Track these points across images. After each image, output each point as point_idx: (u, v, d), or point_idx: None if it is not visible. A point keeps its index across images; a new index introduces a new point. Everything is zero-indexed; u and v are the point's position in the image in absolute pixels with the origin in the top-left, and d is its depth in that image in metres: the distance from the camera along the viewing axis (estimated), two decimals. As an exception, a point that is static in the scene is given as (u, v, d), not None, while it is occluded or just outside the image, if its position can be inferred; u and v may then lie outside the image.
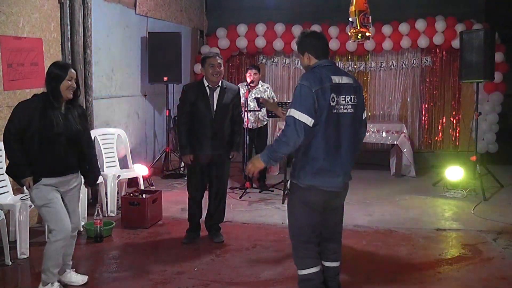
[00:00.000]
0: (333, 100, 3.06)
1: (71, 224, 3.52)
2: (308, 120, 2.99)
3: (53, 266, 3.46)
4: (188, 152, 4.50)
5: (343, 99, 3.11)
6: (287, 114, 3.05)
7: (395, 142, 7.53)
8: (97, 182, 4.06)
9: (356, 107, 3.16)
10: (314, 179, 3.13)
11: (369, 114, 9.03)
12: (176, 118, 4.59)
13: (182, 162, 5.05)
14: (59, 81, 3.36)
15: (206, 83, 4.53)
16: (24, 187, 3.55)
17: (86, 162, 3.62)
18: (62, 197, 3.51)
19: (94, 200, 5.65)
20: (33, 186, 3.39)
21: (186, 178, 4.83)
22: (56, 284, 3.50)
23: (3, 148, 4.47)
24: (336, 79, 3.10)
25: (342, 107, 3.10)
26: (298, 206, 3.26)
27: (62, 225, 3.42)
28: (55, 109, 3.36)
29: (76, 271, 3.80)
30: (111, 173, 5.65)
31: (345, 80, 3.15)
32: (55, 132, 3.34)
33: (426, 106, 8.91)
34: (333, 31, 8.46)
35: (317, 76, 3.09)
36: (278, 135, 3.15)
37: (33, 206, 4.32)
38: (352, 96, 3.14)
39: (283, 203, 5.90)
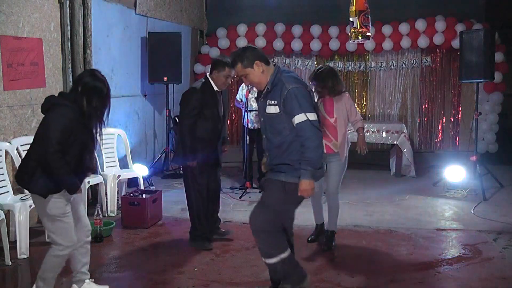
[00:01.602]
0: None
1: (84, 227, 3.43)
2: (316, 117, 3.16)
3: (52, 277, 3.33)
4: (194, 156, 4.37)
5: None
6: (297, 122, 3.08)
7: (395, 142, 7.53)
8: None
9: None
10: (317, 174, 3.27)
11: (369, 114, 9.04)
12: (179, 120, 4.41)
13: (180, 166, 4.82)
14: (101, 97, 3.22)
15: (215, 87, 4.43)
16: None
17: None
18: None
19: (94, 200, 5.65)
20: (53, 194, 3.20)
21: (188, 188, 4.53)
22: None
23: (2, 149, 4.50)
24: None
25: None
26: (293, 202, 3.30)
27: (71, 240, 3.27)
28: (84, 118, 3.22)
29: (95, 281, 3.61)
30: (111, 173, 5.64)
31: None
32: (91, 141, 3.28)
33: (426, 106, 8.91)
34: (333, 31, 8.47)
35: (296, 77, 3.26)
36: (304, 145, 3.09)
37: (33, 206, 4.34)
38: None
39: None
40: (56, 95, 3.33)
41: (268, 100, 3.21)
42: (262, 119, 3.34)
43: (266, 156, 3.41)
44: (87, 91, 3.17)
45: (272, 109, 3.17)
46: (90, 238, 3.51)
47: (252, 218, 3.30)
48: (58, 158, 3.09)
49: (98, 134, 3.31)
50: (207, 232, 4.58)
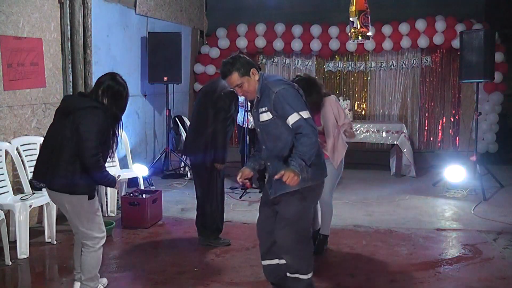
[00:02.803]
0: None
1: None
2: (310, 114, 3.07)
3: (97, 272, 3.40)
4: (225, 158, 4.46)
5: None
6: (292, 122, 2.99)
7: (395, 142, 7.53)
8: None
9: None
10: (324, 172, 3.27)
11: (369, 114, 9.04)
12: (216, 118, 4.32)
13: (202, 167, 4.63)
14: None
15: None
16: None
17: None
18: None
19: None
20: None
21: (213, 188, 4.54)
22: (100, 286, 3.48)
23: (2, 149, 4.50)
24: None
25: None
26: (310, 207, 3.28)
27: (104, 232, 3.40)
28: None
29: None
30: (111, 173, 5.63)
31: None
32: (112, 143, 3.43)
33: (426, 106, 8.91)
34: (333, 31, 8.47)
35: (281, 79, 3.22)
36: (300, 140, 2.98)
37: (33, 206, 4.35)
38: None
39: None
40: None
41: (260, 108, 3.15)
42: (258, 130, 3.27)
43: (267, 167, 3.31)
44: (110, 94, 3.24)
45: (265, 116, 3.11)
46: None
47: (282, 241, 3.18)
48: (99, 158, 3.16)
49: (118, 136, 3.39)
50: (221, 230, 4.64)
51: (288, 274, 3.28)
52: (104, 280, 3.67)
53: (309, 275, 3.23)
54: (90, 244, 3.31)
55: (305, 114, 3.02)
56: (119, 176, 5.64)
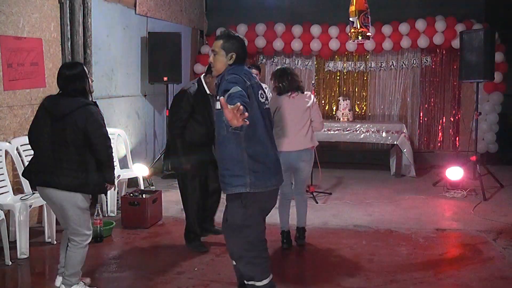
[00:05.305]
0: (261, 96, 3.12)
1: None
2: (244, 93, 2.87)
3: (80, 269, 3.47)
4: (187, 160, 4.36)
5: (262, 95, 3.14)
6: (230, 92, 2.79)
7: (395, 142, 7.53)
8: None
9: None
10: (273, 179, 3.10)
11: (369, 114, 9.04)
12: (169, 123, 4.34)
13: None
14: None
15: (207, 90, 4.42)
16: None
17: None
18: None
19: (94, 200, 5.65)
20: None
21: (182, 192, 4.52)
22: (81, 283, 3.49)
23: (2, 149, 4.50)
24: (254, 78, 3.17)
25: (266, 102, 3.16)
26: (256, 215, 3.13)
27: (91, 230, 3.51)
28: None
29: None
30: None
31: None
32: None
33: (426, 106, 8.91)
34: (333, 31, 8.46)
35: (243, 70, 3.10)
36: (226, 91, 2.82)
37: (33, 206, 4.36)
38: (261, 91, 3.17)
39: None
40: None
41: (218, 96, 3.05)
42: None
43: None
44: (82, 81, 3.37)
45: (218, 105, 3.01)
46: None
47: (231, 248, 3.18)
48: (112, 150, 3.58)
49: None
50: (199, 234, 4.56)
51: (245, 282, 3.20)
52: (88, 280, 3.66)
53: (265, 282, 3.12)
54: (78, 241, 3.39)
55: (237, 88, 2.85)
56: (119, 176, 5.69)
